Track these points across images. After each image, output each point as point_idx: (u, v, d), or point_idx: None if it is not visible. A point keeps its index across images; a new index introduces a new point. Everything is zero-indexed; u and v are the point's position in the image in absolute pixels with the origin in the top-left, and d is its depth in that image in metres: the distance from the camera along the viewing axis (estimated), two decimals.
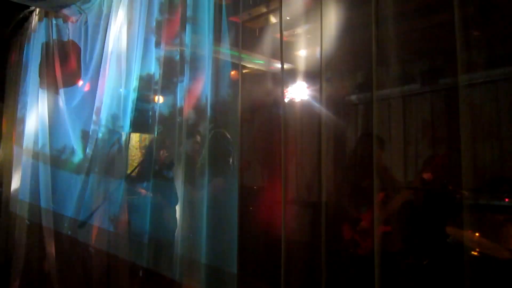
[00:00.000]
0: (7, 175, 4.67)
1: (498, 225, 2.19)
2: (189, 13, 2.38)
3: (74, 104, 3.47)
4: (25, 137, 4.10)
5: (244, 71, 2.35)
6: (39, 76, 3.86)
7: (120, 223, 2.72)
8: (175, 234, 2.44)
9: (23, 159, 4.10)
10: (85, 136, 3.24)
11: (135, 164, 2.97)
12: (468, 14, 1.43)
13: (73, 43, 3.66)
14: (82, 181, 3.13)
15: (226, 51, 2.26)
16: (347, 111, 4.23)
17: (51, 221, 3.49)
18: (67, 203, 3.33)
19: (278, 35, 2.06)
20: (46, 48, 3.88)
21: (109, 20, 3.05)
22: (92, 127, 3.07)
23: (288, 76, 3.89)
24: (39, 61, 3.91)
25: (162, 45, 2.56)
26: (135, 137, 2.99)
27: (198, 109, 2.33)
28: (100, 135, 2.95)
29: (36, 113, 3.89)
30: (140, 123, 2.79)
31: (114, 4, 3.03)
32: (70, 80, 3.60)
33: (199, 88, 2.33)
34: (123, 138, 2.78)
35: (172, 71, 2.49)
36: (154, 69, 2.62)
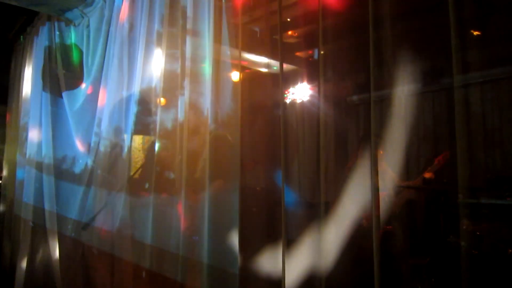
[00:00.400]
0: (11, 178, 4.71)
1: (499, 224, 2.20)
2: (188, 13, 2.39)
3: (76, 107, 3.49)
4: (28, 144, 4.13)
5: (244, 72, 2.36)
6: (42, 79, 3.90)
7: (123, 224, 2.73)
8: (178, 235, 2.45)
9: (26, 168, 4.14)
10: (87, 145, 3.28)
11: (138, 166, 2.99)
12: (463, 14, 1.44)
13: (76, 46, 3.69)
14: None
15: (226, 52, 2.27)
16: (348, 111, 4.24)
17: (54, 223, 3.52)
18: (70, 205, 3.36)
19: (278, 36, 2.07)
20: (49, 52, 3.91)
21: (111, 24, 3.07)
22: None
23: (288, 77, 3.91)
24: (42, 65, 3.94)
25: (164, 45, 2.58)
26: (138, 139, 3.00)
27: (199, 111, 2.35)
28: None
29: (38, 118, 3.92)
30: (142, 127, 2.81)
31: (115, 8, 3.05)
32: (73, 83, 3.63)
33: (200, 89, 2.34)
34: (126, 143, 2.80)
35: (173, 75, 2.50)
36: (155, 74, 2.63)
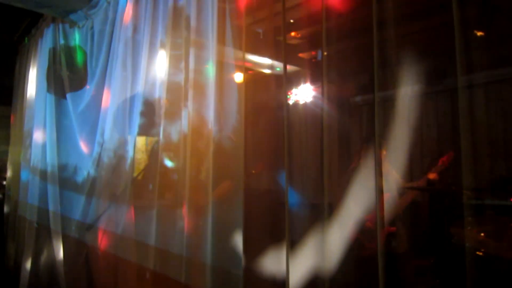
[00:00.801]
0: (16, 179, 4.73)
1: (503, 226, 2.19)
2: (192, 14, 2.40)
3: (80, 109, 3.51)
4: (33, 146, 4.15)
5: (248, 73, 2.36)
6: (46, 81, 3.92)
7: (127, 225, 2.74)
8: (182, 236, 2.46)
9: (29, 177, 4.16)
10: (90, 147, 3.29)
11: (141, 168, 3.00)
12: (467, 15, 1.43)
13: (80, 48, 3.71)
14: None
15: (229, 54, 2.27)
16: (352, 112, 4.23)
17: (59, 224, 3.53)
18: (74, 206, 3.38)
19: (281, 38, 2.07)
20: (53, 53, 3.93)
21: (115, 25, 3.09)
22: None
23: (291, 78, 3.91)
24: (46, 66, 3.96)
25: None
26: (141, 140, 3.01)
27: (203, 113, 2.35)
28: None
29: (43, 120, 3.94)
30: (146, 128, 2.82)
31: (119, 9, 3.06)
32: (77, 84, 3.65)
33: (204, 92, 2.35)
34: (130, 144, 2.81)
35: (177, 76, 2.51)
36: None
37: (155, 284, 2.58)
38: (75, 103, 3.58)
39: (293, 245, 2.01)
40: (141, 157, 3.01)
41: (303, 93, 3.91)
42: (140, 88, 2.74)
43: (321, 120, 1.86)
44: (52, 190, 3.64)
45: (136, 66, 2.81)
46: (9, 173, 5.11)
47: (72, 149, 3.59)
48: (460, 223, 2.04)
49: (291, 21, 3.14)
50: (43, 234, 3.78)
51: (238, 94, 2.21)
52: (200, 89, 2.34)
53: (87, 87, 3.51)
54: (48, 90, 3.89)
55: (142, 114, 2.75)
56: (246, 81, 2.18)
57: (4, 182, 5.23)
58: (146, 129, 2.81)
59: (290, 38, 3.33)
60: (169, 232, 2.46)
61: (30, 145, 4.26)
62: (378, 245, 1.53)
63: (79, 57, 3.73)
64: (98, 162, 3.09)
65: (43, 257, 3.79)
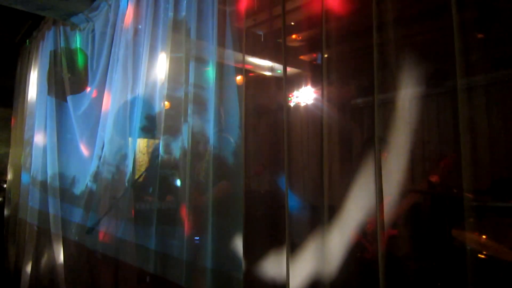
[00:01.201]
0: (16, 181, 4.73)
1: (505, 228, 2.17)
2: (192, 17, 2.40)
3: (81, 111, 3.51)
4: (34, 148, 4.15)
5: (248, 76, 2.36)
6: (47, 83, 3.92)
7: (127, 229, 2.73)
8: (182, 239, 2.45)
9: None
10: (91, 149, 3.28)
11: (142, 170, 2.99)
12: (467, 17, 1.43)
13: (81, 50, 3.72)
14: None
15: (230, 56, 2.27)
16: (352, 114, 4.23)
17: (59, 227, 3.53)
18: (74, 208, 3.37)
19: (281, 40, 2.07)
20: (54, 56, 3.94)
21: (116, 28, 3.09)
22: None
23: (291, 81, 3.91)
24: (47, 69, 3.97)
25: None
26: (142, 143, 3.01)
27: (203, 114, 2.35)
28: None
29: (44, 122, 3.94)
30: (147, 131, 2.82)
31: (120, 12, 3.07)
32: (78, 87, 3.65)
33: (204, 93, 2.35)
34: (131, 147, 2.80)
35: (177, 78, 2.51)
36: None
37: (155, 287, 2.58)
38: (76, 106, 3.59)
39: (293, 248, 2.00)
40: (142, 159, 3.01)
41: (304, 96, 3.91)
42: (140, 90, 2.74)
43: (321, 123, 1.85)
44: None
45: (136, 68, 2.82)
46: (9, 176, 5.11)
47: (73, 153, 3.59)
48: (461, 225, 2.03)
49: (292, 23, 3.14)
50: (44, 237, 3.78)
51: (239, 96, 2.21)
52: (200, 92, 2.34)
53: (88, 89, 3.51)
54: (49, 93, 3.89)
55: (143, 115, 2.75)
56: (247, 83, 2.18)
57: (5, 185, 5.22)
58: (147, 130, 2.81)
59: (290, 40, 3.33)
60: (169, 235, 2.46)
61: (30, 153, 4.26)
62: (379, 248, 1.52)
63: (80, 60, 3.74)
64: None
65: (44, 260, 3.78)
